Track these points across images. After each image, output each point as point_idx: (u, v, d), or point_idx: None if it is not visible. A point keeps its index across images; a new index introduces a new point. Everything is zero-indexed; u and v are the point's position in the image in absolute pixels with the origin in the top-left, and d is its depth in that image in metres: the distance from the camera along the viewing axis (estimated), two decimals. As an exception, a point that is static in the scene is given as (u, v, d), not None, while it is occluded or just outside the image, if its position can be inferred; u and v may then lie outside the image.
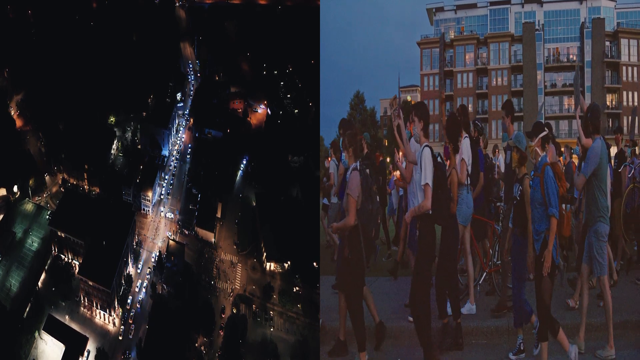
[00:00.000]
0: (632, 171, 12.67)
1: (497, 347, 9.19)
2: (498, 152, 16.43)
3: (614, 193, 12.05)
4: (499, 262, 10.73)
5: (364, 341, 8.66)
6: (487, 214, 11.17)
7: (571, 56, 58.68)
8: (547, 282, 7.97)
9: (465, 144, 10.06)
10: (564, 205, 7.89)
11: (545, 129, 8.39)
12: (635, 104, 54.60)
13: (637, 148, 14.76)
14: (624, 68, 56.39)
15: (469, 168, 10.08)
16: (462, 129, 10.13)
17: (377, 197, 12.15)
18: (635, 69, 56.29)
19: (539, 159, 8.22)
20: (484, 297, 11.05)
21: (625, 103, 54.10)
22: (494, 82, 60.19)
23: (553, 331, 8.17)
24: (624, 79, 56.19)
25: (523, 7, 60.22)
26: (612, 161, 12.79)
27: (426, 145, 8.29)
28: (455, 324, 9.27)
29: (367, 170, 8.72)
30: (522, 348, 8.73)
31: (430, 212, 8.28)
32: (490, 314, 10.17)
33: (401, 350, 9.28)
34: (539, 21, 59.51)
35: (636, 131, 16.53)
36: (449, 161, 9.54)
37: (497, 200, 11.49)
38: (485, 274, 11.14)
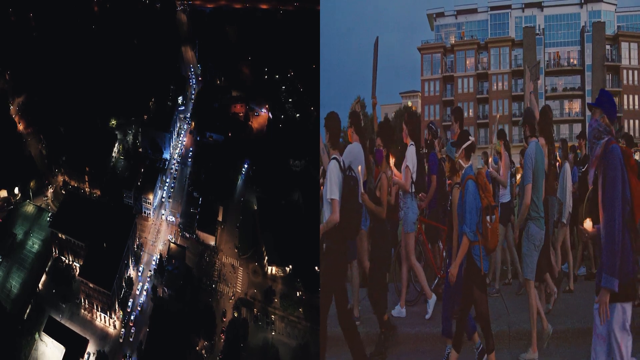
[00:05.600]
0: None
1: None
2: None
3: (579, 198, 11.70)
4: None
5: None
6: (440, 219, 11.08)
7: (572, 60, 58.73)
8: (478, 294, 7.73)
9: (410, 151, 9.97)
10: (488, 217, 7.59)
11: (470, 138, 8.04)
12: (636, 107, 54.65)
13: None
14: (625, 71, 56.38)
15: (414, 175, 10.04)
16: (409, 136, 10.07)
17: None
18: (635, 72, 56.29)
19: (463, 171, 7.90)
20: (439, 303, 10.91)
21: (626, 107, 54.11)
22: (495, 87, 60.25)
23: (488, 348, 7.86)
24: (625, 82, 56.17)
25: (523, 11, 60.32)
26: (578, 166, 12.68)
27: (334, 158, 7.95)
28: (380, 333, 9.11)
29: None
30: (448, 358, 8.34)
31: (340, 226, 7.82)
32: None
33: (401, 356, 9.24)
34: (539, 25, 59.60)
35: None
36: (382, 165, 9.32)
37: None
38: (438, 278, 11.02)
